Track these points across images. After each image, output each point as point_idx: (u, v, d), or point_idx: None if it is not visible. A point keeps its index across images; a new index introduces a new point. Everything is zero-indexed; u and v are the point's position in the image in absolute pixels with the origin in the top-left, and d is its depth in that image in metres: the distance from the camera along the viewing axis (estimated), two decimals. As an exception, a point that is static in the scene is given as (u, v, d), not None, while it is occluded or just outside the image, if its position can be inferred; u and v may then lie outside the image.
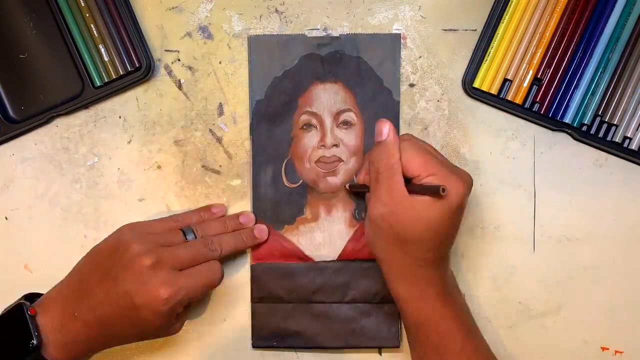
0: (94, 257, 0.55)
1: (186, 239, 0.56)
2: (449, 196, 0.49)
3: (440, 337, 0.52)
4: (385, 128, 0.52)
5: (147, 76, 0.60)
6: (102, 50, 0.59)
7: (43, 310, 0.53)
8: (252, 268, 0.59)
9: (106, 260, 0.53)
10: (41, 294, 0.55)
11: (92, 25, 0.59)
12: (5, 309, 0.54)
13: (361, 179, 0.56)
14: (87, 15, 0.59)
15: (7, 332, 0.52)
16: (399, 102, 0.59)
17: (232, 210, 0.60)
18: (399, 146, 0.51)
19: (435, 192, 0.48)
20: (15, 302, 0.54)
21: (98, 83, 0.60)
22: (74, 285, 0.54)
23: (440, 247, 0.51)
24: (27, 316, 0.52)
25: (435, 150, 0.53)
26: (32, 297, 0.54)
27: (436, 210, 0.49)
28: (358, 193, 0.59)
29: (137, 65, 0.59)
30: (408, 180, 0.51)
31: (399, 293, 0.53)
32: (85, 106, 0.60)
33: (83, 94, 0.60)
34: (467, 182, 0.51)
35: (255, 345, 0.60)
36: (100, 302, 0.52)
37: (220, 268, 0.55)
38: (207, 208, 0.59)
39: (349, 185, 0.59)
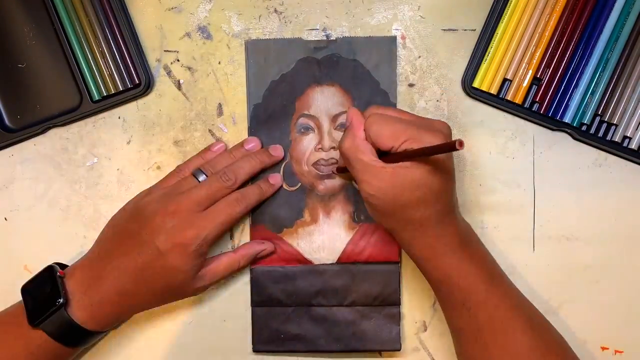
0: (115, 225, 0.56)
1: (198, 181, 0.56)
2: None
3: (464, 292, 0.51)
4: (349, 115, 0.52)
5: (145, 92, 0.60)
6: (102, 64, 0.59)
7: (70, 274, 0.54)
8: (252, 272, 0.59)
9: (127, 224, 0.55)
10: (67, 265, 0.56)
11: (92, 39, 0.59)
12: (37, 273, 0.55)
13: (342, 164, 0.56)
14: (88, 29, 0.59)
15: (37, 291, 0.53)
16: (395, 105, 0.59)
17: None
18: (362, 126, 0.51)
19: (408, 157, 0.48)
20: (46, 266, 0.55)
21: (96, 97, 0.60)
22: (97, 252, 0.55)
23: (438, 201, 0.50)
24: (57, 277, 0.53)
25: (403, 112, 0.52)
26: (60, 267, 0.56)
27: (418, 169, 0.48)
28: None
29: (137, 82, 0.59)
30: (387, 154, 0.50)
31: (415, 256, 0.52)
32: (82, 118, 0.60)
33: (81, 107, 0.60)
34: (442, 131, 0.50)
35: (255, 349, 0.60)
36: (126, 259, 0.53)
37: (239, 198, 0.56)
38: (207, 149, 0.59)
39: (337, 168, 0.59)
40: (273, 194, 0.59)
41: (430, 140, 0.48)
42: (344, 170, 0.57)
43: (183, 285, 0.55)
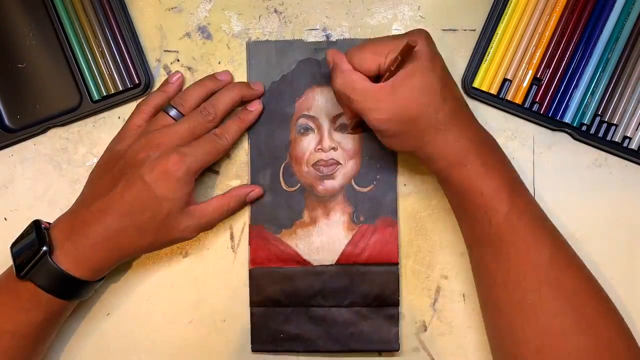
0: (95, 173, 0.56)
1: (171, 116, 0.55)
2: (415, 55, 0.49)
3: (487, 199, 0.50)
4: (329, 56, 0.52)
5: (145, 92, 0.60)
6: (102, 64, 0.59)
7: (55, 225, 0.54)
8: (251, 272, 0.59)
9: (108, 167, 0.55)
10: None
11: (92, 39, 0.59)
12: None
13: (348, 118, 0.57)
14: (88, 29, 0.59)
15: (23, 245, 0.53)
16: None
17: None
18: (345, 60, 0.51)
19: (404, 56, 0.48)
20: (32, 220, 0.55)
21: (96, 97, 0.60)
22: (81, 200, 0.56)
23: (445, 100, 0.50)
24: (42, 228, 0.53)
25: (377, 38, 0.53)
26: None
27: (414, 75, 0.49)
28: (363, 127, 0.59)
29: (137, 82, 0.59)
30: (379, 79, 0.51)
31: (439, 166, 0.51)
32: (82, 118, 0.60)
33: (81, 107, 0.60)
34: (421, 34, 0.50)
35: (254, 350, 0.59)
36: (110, 197, 0.53)
37: (219, 133, 0.55)
38: (165, 82, 0.59)
39: (351, 129, 0.58)
40: (271, 198, 0.59)
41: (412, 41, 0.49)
42: (355, 125, 0.57)
43: (170, 219, 0.53)
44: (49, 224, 0.55)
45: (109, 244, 0.53)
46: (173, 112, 0.56)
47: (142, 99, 0.58)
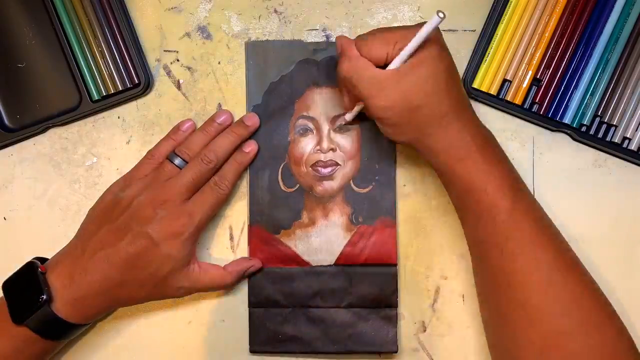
0: (97, 218, 0.56)
1: (175, 165, 0.56)
2: (424, 44, 0.49)
3: (491, 197, 0.50)
4: (338, 42, 0.52)
5: (145, 92, 0.60)
6: (102, 64, 0.59)
7: (52, 269, 0.54)
8: (250, 273, 0.59)
9: (112, 214, 0.55)
10: (47, 259, 0.56)
11: (92, 39, 0.59)
12: (17, 270, 0.54)
13: (347, 104, 0.56)
14: (88, 29, 0.59)
15: (19, 288, 0.53)
16: None
17: (231, 213, 0.60)
18: (353, 46, 0.51)
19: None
20: (26, 262, 0.55)
21: (96, 97, 0.60)
22: (82, 243, 0.55)
23: (449, 91, 0.50)
24: (38, 273, 0.53)
25: (387, 27, 0.52)
26: (41, 261, 0.55)
27: (421, 64, 0.49)
28: (361, 118, 0.58)
29: (136, 82, 0.59)
30: (385, 67, 0.51)
31: (441, 161, 0.51)
32: (82, 118, 0.60)
33: (80, 107, 0.60)
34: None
35: (252, 350, 0.59)
36: (114, 249, 0.53)
37: (218, 181, 0.56)
38: (176, 129, 0.59)
39: (352, 113, 0.57)
40: (270, 199, 0.59)
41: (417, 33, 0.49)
42: (355, 114, 0.57)
43: (169, 277, 0.54)
44: (43, 261, 0.55)
45: (107, 294, 0.54)
46: (177, 161, 0.56)
47: (151, 149, 0.58)
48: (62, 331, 0.54)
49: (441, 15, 0.46)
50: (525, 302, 0.49)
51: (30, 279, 0.53)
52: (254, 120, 0.59)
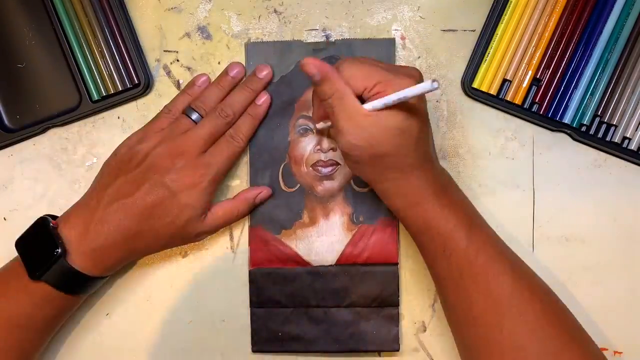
0: (113, 167, 0.56)
1: (192, 119, 0.56)
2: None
3: (444, 238, 0.50)
4: (312, 68, 0.49)
5: (145, 92, 0.60)
6: (102, 64, 0.59)
7: (64, 223, 0.54)
8: (251, 273, 0.59)
9: (127, 166, 0.55)
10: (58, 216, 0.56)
11: (92, 39, 0.59)
12: (29, 226, 0.54)
13: (316, 115, 0.56)
14: (88, 29, 0.59)
15: (33, 244, 0.53)
16: None
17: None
18: (337, 74, 0.49)
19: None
20: (37, 219, 0.55)
21: (96, 97, 0.60)
22: (96, 195, 0.55)
23: (418, 147, 0.50)
24: (50, 227, 0.53)
25: (375, 60, 0.52)
26: (52, 217, 0.55)
27: (396, 116, 0.48)
28: (325, 132, 0.58)
29: (136, 82, 0.59)
30: (360, 100, 0.49)
31: (397, 205, 0.52)
32: (82, 118, 0.60)
33: (80, 107, 0.60)
34: (414, 76, 0.49)
35: (254, 350, 0.59)
36: (131, 199, 0.53)
37: (233, 134, 0.57)
38: (191, 84, 0.59)
39: (317, 127, 0.57)
40: (271, 199, 0.59)
41: (401, 84, 0.48)
42: (324, 126, 0.56)
43: (187, 225, 0.55)
44: (55, 218, 0.55)
45: (124, 245, 0.54)
46: (195, 116, 0.57)
47: (167, 104, 0.59)
48: (80, 284, 0.54)
49: (435, 85, 0.44)
50: (484, 337, 0.49)
51: (43, 234, 0.53)
52: (265, 71, 0.59)
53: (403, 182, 0.51)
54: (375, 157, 0.49)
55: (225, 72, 0.59)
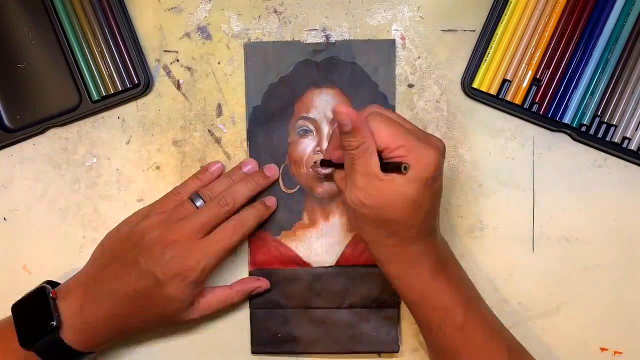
0: (110, 248, 0.56)
1: (196, 206, 0.56)
2: (421, 167, 0.47)
3: (440, 314, 0.50)
4: (345, 118, 0.47)
5: (145, 92, 0.60)
6: (102, 64, 0.59)
7: (63, 296, 0.54)
8: (251, 274, 0.59)
9: (123, 248, 0.54)
10: (59, 283, 0.56)
11: (92, 39, 0.59)
12: (28, 292, 0.54)
13: (328, 155, 0.55)
14: (87, 29, 0.59)
15: (29, 312, 0.53)
16: (394, 107, 0.59)
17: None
18: (367, 126, 0.48)
19: (397, 169, 0.46)
20: (37, 286, 0.54)
21: (96, 97, 0.60)
22: (93, 273, 0.55)
23: (424, 221, 0.49)
24: (49, 298, 0.53)
25: (404, 119, 0.51)
26: (52, 285, 0.55)
27: (412, 185, 0.47)
28: (325, 171, 0.58)
29: (136, 82, 0.59)
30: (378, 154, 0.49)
31: (391, 273, 0.51)
32: (81, 118, 0.60)
33: (80, 107, 0.60)
34: (439, 148, 0.49)
35: (254, 351, 0.60)
36: (122, 283, 0.53)
37: (236, 226, 0.55)
38: (204, 169, 0.59)
39: (320, 161, 0.57)
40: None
41: (424, 153, 0.47)
42: (328, 165, 0.55)
43: (176, 314, 0.55)
44: (54, 285, 0.55)
45: (116, 326, 0.54)
46: (199, 203, 0.56)
47: (178, 185, 0.58)
48: (67, 358, 0.53)
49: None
50: None
51: (41, 304, 0.53)
52: (273, 172, 0.59)
53: (402, 250, 0.50)
54: (380, 221, 0.49)
55: (239, 167, 0.59)
